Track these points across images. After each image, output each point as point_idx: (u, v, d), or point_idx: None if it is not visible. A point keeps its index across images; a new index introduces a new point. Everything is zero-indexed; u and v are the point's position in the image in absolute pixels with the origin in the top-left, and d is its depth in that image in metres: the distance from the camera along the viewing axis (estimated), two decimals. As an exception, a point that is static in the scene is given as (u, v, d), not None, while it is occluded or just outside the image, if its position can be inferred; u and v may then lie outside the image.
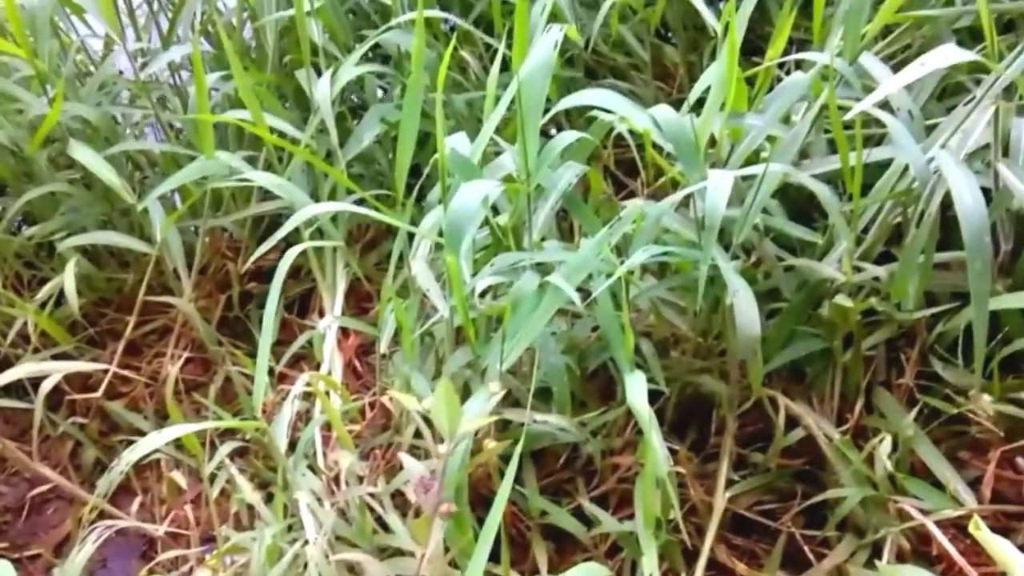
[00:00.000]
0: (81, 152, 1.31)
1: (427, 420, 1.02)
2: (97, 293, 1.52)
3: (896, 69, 1.31)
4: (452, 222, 0.98)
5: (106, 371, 1.35)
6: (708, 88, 1.11)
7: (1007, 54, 1.07)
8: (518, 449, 0.82)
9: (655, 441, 0.96)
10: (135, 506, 1.24)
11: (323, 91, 1.26)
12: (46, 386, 1.22)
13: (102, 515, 1.18)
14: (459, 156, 1.02)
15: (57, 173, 1.50)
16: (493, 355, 1.05)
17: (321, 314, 1.45)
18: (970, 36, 1.30)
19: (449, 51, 1.02)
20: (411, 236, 1.24)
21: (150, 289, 1.43)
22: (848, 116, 0.98)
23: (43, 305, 1.38)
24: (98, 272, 1.52)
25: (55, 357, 1.37)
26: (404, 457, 0.90)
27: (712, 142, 1.15)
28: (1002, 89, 1.02)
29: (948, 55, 0.94)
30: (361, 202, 1.33)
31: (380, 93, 1.57)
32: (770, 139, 1.16)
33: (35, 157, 1.41)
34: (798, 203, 1.27)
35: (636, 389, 0.95)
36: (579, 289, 1.02)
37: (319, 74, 1.32)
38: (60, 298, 1.39)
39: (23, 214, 1.54)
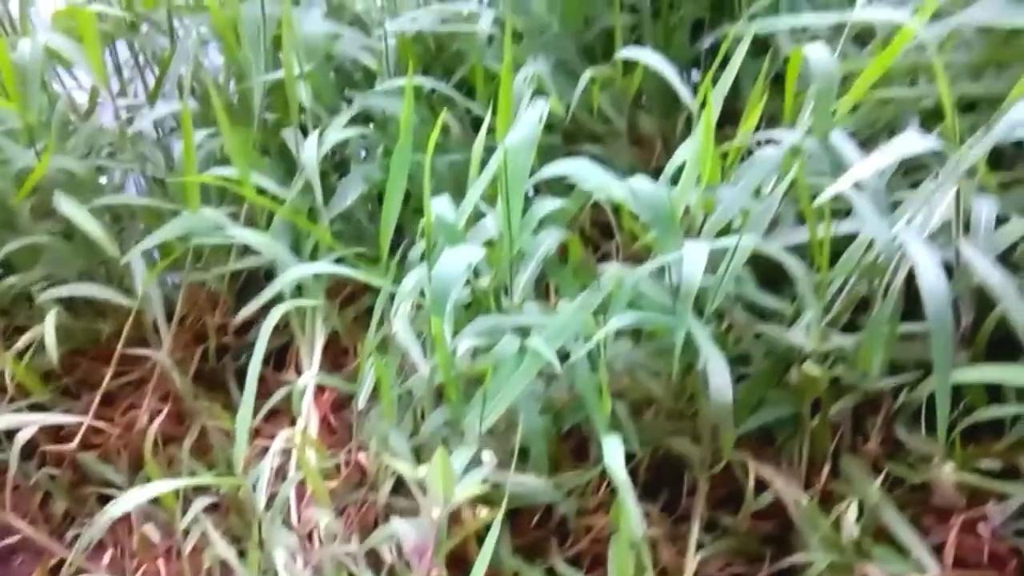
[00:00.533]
0: (67, 205, 1.33)
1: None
2: (73, 343, 1.52)
3: (863, 143, 1.37)
4: (438, 286, 1.00)
5: (80, 423, 1.35)
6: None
7: (970, 133, 1.14)
8: (499, 515, 0.84)
9: (631, 505, 0.98)
10: (106, 559, 1.24)
11: (310, 153, 1.29)
12: (21, 438, 1.22)
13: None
14: (445, 221, 1.06)
15: (37, 223, 1.51)
16: (473, 416, 1.07)
17: (298, 368, 1.46)
18: (934, 114, 1.37)
19: (439, 124, 1.06)
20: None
21: (126, 340, 1.43)
22: (818, 201, 1.02)
23: (19, 355, 1.38)
24: (75, 322, 1.52)
25: (30, 407, 1.37)
26: (397, 522, 0.91)
27: (687, 211, 1.20)
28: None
29: (912, 143, 0.99)
30: (342, 260, 1.35)
31: (362, 152, 1.60)
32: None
33: (18, 207, 1.42)
34: (768, 270, 1.31)
35: (613, 453, 0.98)
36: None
37: (305, 134, 1.35)
38: (33, 347, 1.40)
39: (1, 262, 1.54)
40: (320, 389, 1.47)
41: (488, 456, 0.99)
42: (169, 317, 1.46)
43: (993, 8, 1.29)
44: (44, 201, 1.53)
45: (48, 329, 1.31)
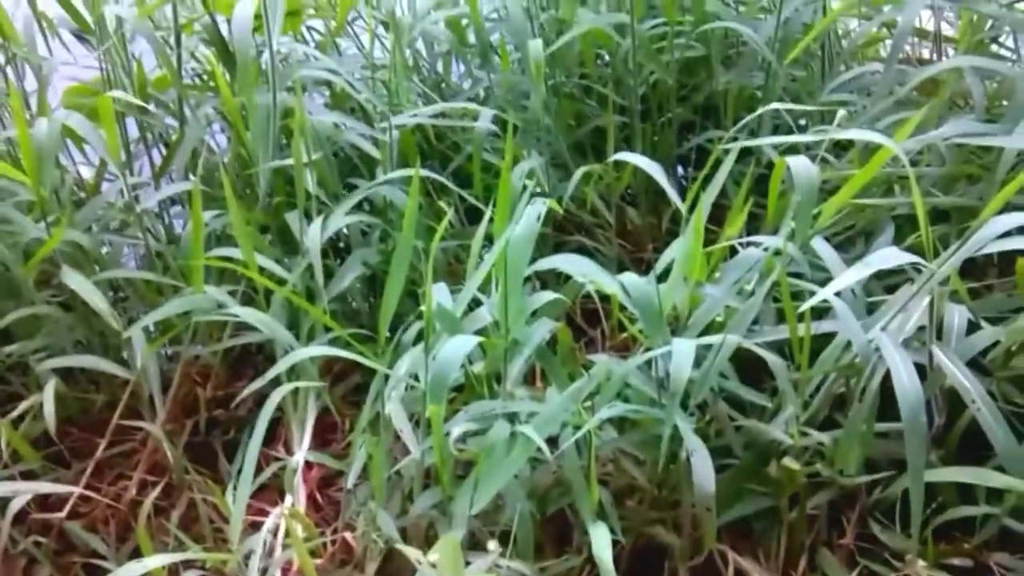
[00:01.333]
0: (73, 279, 1.36)
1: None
2: (65, 411, 1.54)
3: (840, 246, 1.44)
4: (437, 373, 1.05)
5: (70, 492, 1.36)
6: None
7: (943, 241, 1.20)
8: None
9: (616, 593, 1.01)
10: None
11: (314, 238, 1.34)
12: (14, 506, 1.23)
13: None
14: (445, 312, 1.10)
15: (39, 292, 1.54)
16: (464, 500, 1.10)
17: (286, 445, 1.49)
18: (908, 221, 1.44)
19: (444, 224, 1.11)
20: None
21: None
22: (802, 308, 1.08)
23: (15, 422, 1.40)
24: (69, 391, 1.54)
25: (22, 474, 1.38)
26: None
27: (673, 307, 1.25)
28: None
29: (891, 257, 1.06)
30: (337, 339, 1.39)
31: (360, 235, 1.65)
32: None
33: (22, 276, 1.46)
34: (749, 363, 1.36)
35: (601, 541, 1.01)
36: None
37: (308, 219, 1.41)
38: (25, 414, 1.42)
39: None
40: (308, 465, 1.49)
41: (493, 545, 1.02)
42: (163, 389, 1.48)
43: (963, 125, 1.38)
44: (46, 270, 1.57)
45: (47, 398, 1.33)
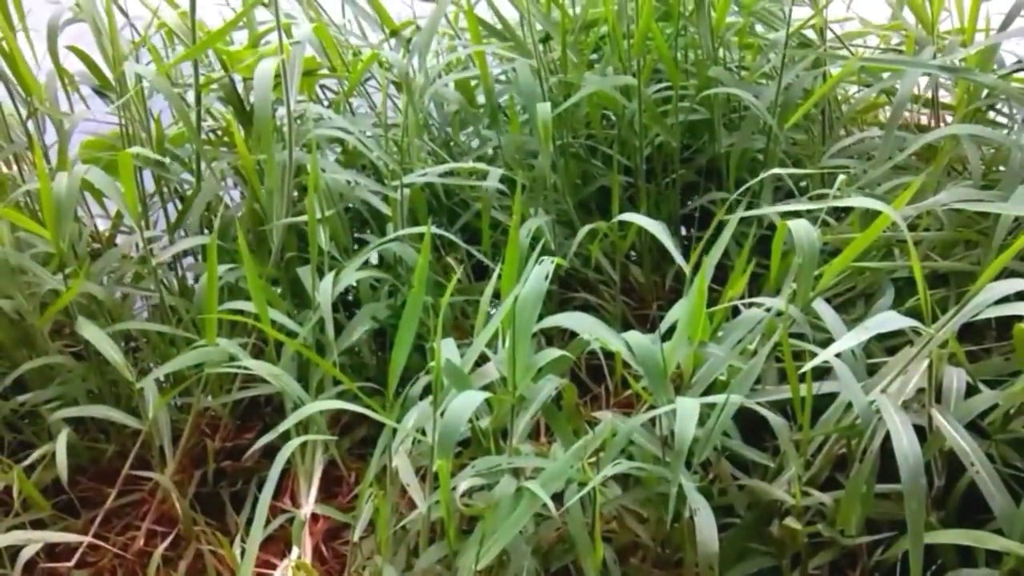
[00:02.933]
0: (89, 330, 1.39)
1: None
2: (76, 460, 1.55)
3: (841, 307, 1.47)
4: (445, 428, 1.07)
5: (79, 541, 1.37)
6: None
7: (942, 304, 1.23)
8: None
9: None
10: None
11: (325, 293, 1.37)
12: (24, 555, 1.25)
13: None
14: (454, 368, 1.13)
15: (53, 342, 1.57)
16: (469, 555, 1.12)
17: (293, 496, 1.50)
18: (908, 284, 1.47)
19: (452, 284, 1.14)
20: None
21: (127, 460, 1.48)
22: (803, 369, 1.10)
23: (27, 470, 1.41)
24: (80, 441, 1.56)
25: (32, 523, 1.40)
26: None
27: (677, 366, 1.27)
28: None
29: (889, 321, 1.08)
30: (346, 392, 1.41)
31: (370, 290, 1.68)
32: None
33: (37, 327, 1.48)
34: (752, 422, 1.38)
35: (605, 600, 1.02)
36: (550, 493, 1.11)
37: (320, 274, 1.44)
38: (36, 463, 1.44)
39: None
40: (315, 518, 1.51)
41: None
42: (172, 440, 1.50)
43: (960, 192, 1.41)
44: (59, 320, 1.60)
45: (60, 448, 1.35)
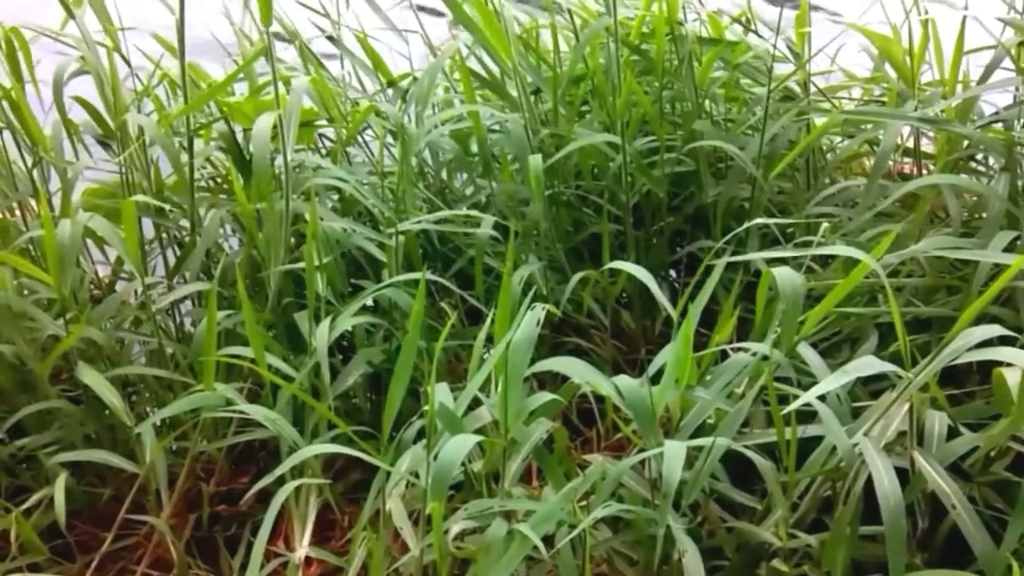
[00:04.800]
0: (89, 375, 1.42)
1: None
2: (73, 504, 1.57)
3: (826, 352, 1.50)
4: (438, 472, 1.09)
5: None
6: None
7: (925, 349, 1.26)
8: None
9: None
10: None
11: (322, 338, 1.40)
12: (21, 600, 1.26)
13: None
14: (447, 412, 1.15)
15: (52, 386, 1.59)
16: (462, 597, 1.13)
17: (287, 540, 1.52)
18: (892, 329, 1.50)
19: (447, 330, 1.17)
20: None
21: (123, 504, 1.49)
22: (786, 411, 1.14)
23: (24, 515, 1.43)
24: (77, 485, 1.58)
25: (29, 567, 1.41)
26: None
27: (665, 409, 1.30)
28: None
29: (869, 364, 1.11)
30: (340, 436, 1.44)
31: (365, 335, 1.71)
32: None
33: (37, 371, 1.51)
34: (740, 465, 1.40)
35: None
36: (541, 536, 1.13)
37: (316, 319, 1.47)
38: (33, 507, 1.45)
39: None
40: (308, 561, 1.52)
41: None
42: (168, 484, 1.52)
43: (941, 240, 1.46)
44: (58, 365, 1.62)
45: (58, 492, 1.37)
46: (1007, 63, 1.69)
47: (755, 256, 1.45)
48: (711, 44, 1.88)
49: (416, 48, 2.06)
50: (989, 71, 1.70)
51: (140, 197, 1.56)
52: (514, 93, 1.81)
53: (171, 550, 1.47)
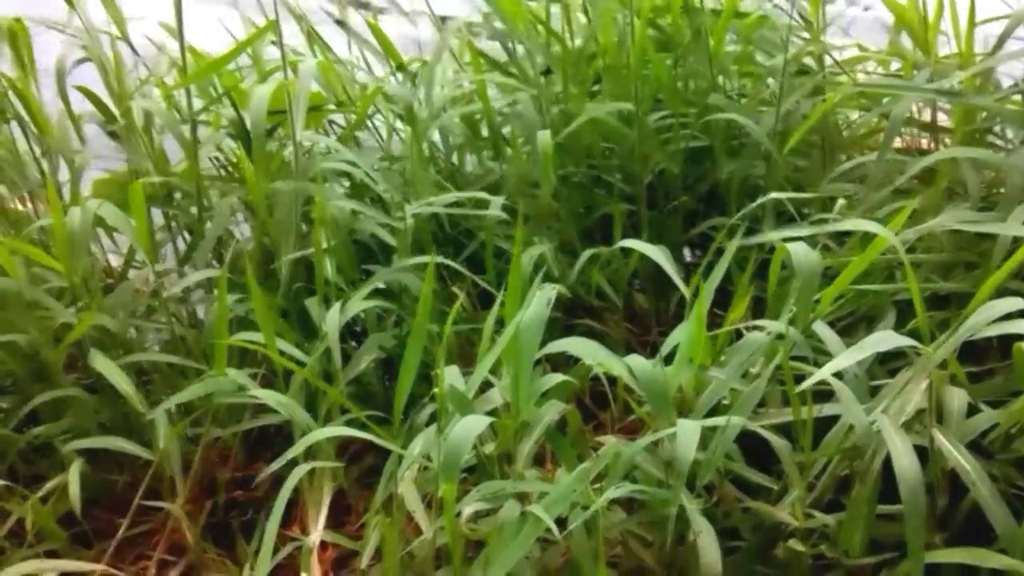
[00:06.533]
0: (101, 363, 1.42)
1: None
2: (88, 492, 1.57)
3: (844, 331, 1.48)
4: (450, 453, 1.08)
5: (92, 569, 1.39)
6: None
7: (944, 326, 1.24)
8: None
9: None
10: None
11: (332, 323, 1.39)
12: (38, 585, 1.27)
13: None
14: (457, 393, 1.14)
15: (65, 375, 1.59)
16: (475, 579, 1.13)
17: (302, 525, 1.51)
18: (910, 306, 1.48)
19: (456, 308, 1.16)
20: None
21: (139, 491, 1.49)
22: (800, 388, 1.12)
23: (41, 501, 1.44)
24: (92, 472, 1.58)
25: (46, 554, 1.42)
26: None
27: (680, 389, 1.29)
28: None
29: (887, 340, 1.10)
30: (353, 420, 1.43)
31: (376, 320, 1.70)
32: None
33: (51, 360, 1.51)
34: (757, 445, 1.39)
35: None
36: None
37: (327, 304, 1.46)
38: (49, 494, 1.46)
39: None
40: (323, 546, 1.52)
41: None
42: (183, 470, 1.52)
43: (959, 215, 1.43)
44: (72, 354, 1.63)
45: (73, 480, 1.37)
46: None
47: (767, 237, 1.43)
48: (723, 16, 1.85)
49: (424, 31, 2.04)
50: (1001, 41, 1.66)
51: (148, 179, 1.56)
52: (526, 70, 1.79)
53: (187, 536, 1.47)
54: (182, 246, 1.82)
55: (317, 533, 1.41)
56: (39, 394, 1.53)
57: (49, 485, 1.43)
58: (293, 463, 1.36)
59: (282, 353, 1.42)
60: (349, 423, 1.44)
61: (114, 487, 1.62)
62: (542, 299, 1.17)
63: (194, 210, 1.75)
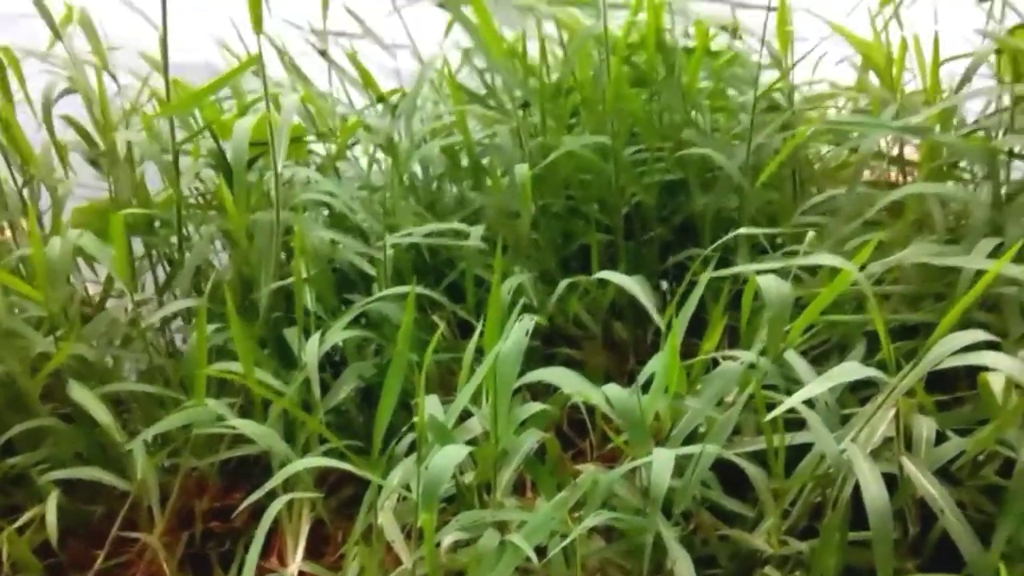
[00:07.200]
0: (79, 393, 1.42)
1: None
2: (65, 522, 1.56)
3: (816, 359, 1.51)
4: (429, 482, 1.09)
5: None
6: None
7: (912, 355, 1.27)
8: None
9: None
10: None
11: (311, 352, 1.40)
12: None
13: None
14: (437, 422, 1.16)
15: (43, 404, 1.59)
16: (454, 609, 1.14)
17: (280, 556, 1.51)
18: (879, 336, 1.51)
19: (436, 338, 1.18)
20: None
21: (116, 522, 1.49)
22: (769, 416, 1.14)
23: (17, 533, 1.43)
24: (69, 503, 1.57)
25: (20, 586, 1.41)
26: None
27: (656, 417, 1.31)
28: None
29: (853, 370, 1.12)
30: (333, 450, 1.44)
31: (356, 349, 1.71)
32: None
33: (28, 389, 1.51)
34: (733, 473, 1.41)
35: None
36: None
37: (307, 333, 1.47)
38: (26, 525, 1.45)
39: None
40: (301, 576, 1.52)
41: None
42: (161, 501, 1.52)
43: (925, 248, 1.47)
44: (48, 383, 1.62)
45: (50, 510, 1.37)
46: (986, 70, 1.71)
47: (740, 269, 1.46)
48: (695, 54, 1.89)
49: (405, 64, 2.07)
50: (965, 79, 1.71)
51: (129, 211, 1.57)
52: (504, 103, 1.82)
53: (164, 567, 1.47)
54: (161, 275, 1.82)
55: (295, 564, 1.41)
56: (15, 424, 1.53)
57: (26, 516, 1.42)
58: (272, 493, 1.37)
59: (261, 383, 1.43)
60: (328, 453, 1.45)
61: (91, 518, 1.61)
62: (521, 329, 1.18)
63: (174, 239, 1.76)
